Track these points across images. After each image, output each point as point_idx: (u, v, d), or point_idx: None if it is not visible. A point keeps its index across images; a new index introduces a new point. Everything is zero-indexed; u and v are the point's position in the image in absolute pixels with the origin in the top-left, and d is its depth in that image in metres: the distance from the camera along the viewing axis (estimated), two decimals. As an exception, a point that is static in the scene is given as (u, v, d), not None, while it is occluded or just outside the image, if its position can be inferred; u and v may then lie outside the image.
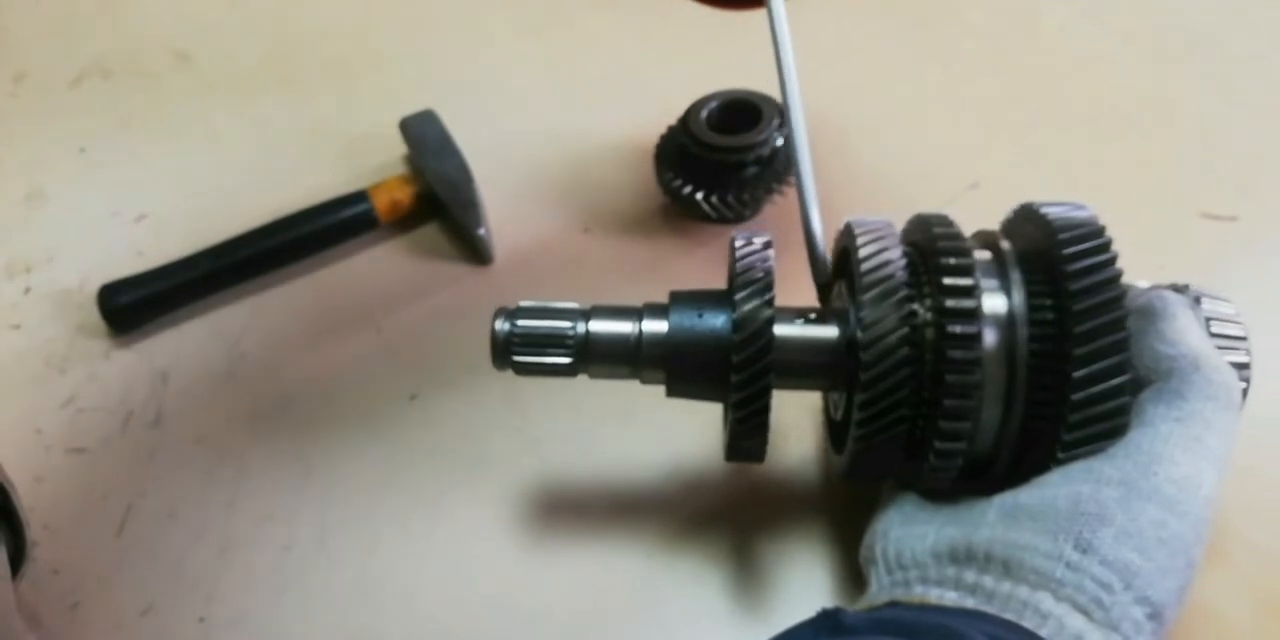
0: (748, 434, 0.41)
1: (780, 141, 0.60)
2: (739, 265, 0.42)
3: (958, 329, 0.38)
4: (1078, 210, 0.41)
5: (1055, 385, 0.38)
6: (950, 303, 0.39)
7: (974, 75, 0.72)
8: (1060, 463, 0.38)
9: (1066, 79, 0.72)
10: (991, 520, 0.38)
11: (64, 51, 0.79)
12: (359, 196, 0.63)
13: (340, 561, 0.50)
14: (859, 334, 0.39)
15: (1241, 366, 0.41)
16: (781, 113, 0.60)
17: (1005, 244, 0.43)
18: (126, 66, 0.78)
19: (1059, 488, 0.37)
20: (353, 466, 0.54)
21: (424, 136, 0.66)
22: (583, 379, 0.44)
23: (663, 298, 0.44)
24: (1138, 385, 0.39)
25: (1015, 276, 0.41)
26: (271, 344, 0.60)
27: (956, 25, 0.76)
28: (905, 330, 0.39)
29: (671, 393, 0.44)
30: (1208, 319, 0.42)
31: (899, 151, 0.67)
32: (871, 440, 0.39)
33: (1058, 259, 0.38)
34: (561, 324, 0.43)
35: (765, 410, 0.41)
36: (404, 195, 0.64)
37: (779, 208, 0.63)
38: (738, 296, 0.41)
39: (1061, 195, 0.42)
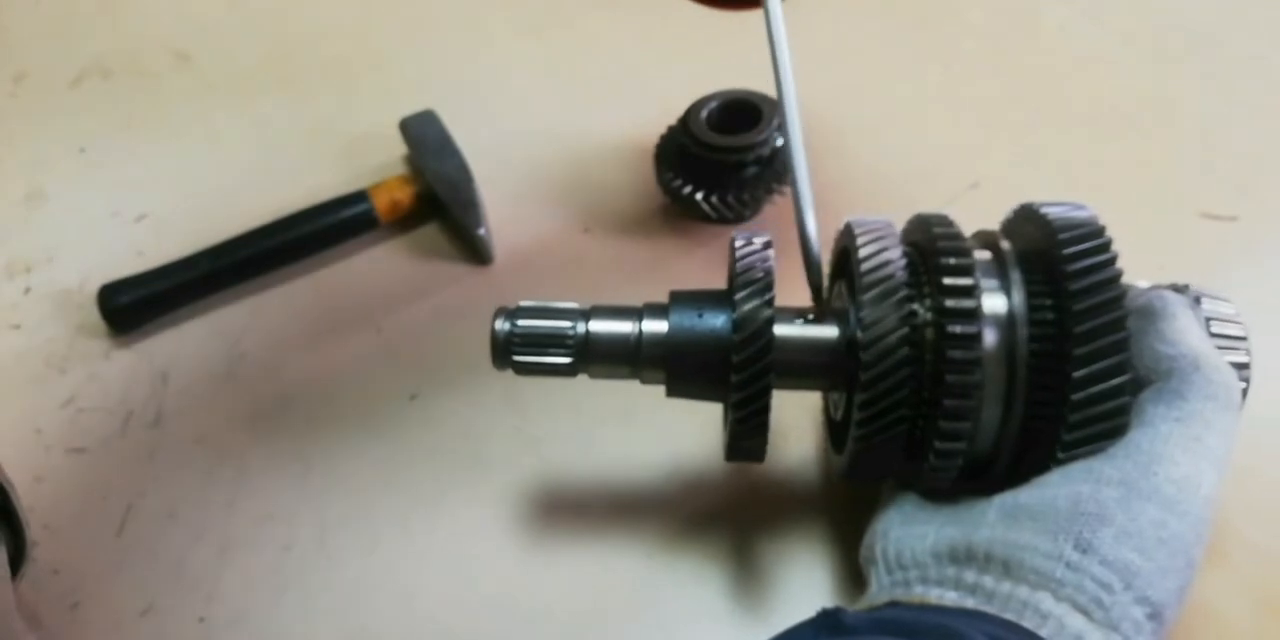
0: (748, 434, 0.41)
1: (780, 141, 0.60)
2: (739, 265, 0.42)
3: (958, 329, 0.38)
4: (1078, 210, 0.41)
5: (1055, 385, 0.38)
6: (950, 303, 0.39)
7: (974, 75, 0.72)
8: (1060, 463, 0.38)
9: (1066, 79, 0.72)
10: (991, 520, 0.38)
11: (64, 51, 0.79)
12: (359, 196, 0.63)
13: (340, 561, 0.50)
14: (859, 334, 0.39)
15: (1241, 366, 0.41)
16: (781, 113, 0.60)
17: (1005, 244, 0.43)
18: (126, 66, 0.78)
19: (1059, 488, 0.37)
20: (353, 466, 0.54)
21: (424, 136, 0.66)
22: (583, 379, 0.44)
23: (663, 298, 0.44)
24: (1138, 385, 0.39)
25: (1015, 276, 0.41)
26: (271, 344, 0.60)
27: (956, 25, 0.76)
28: (905, 330, 0.39)
29: (671, 393, 0.44)
30: (1208, 319, 0.42)
31: (899, 151, 0.67)
32: (871, 440, 0.39)
33: (1058, 259, 0.38)
34: (561, 324, 0.43)
35: (765, 410, 0.41)
36: (404, 195, 0.64)
37: (779, 208, 0.63)
38: (738, 296, 0.41)
39: (1061, 195, 0.42)
